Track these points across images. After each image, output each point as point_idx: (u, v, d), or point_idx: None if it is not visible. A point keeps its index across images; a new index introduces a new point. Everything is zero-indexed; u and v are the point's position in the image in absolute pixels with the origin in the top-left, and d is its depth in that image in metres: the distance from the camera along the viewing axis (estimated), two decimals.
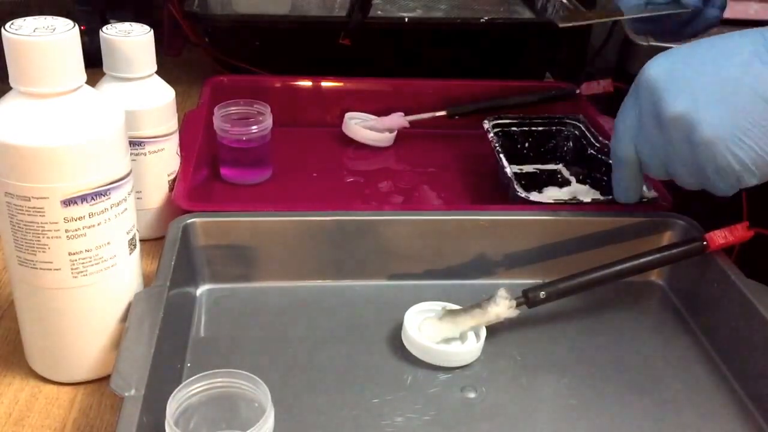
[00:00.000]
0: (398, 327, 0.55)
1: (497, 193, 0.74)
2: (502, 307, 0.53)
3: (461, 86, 0.86)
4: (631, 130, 0.54)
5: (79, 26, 0.43)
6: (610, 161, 0.59)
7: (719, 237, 0.56)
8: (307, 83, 0.86)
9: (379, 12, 0.98)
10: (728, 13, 0.70)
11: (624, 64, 0.90)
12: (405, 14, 1.00)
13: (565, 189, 0.75)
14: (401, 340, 0.54)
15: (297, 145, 0.82)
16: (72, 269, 0.46)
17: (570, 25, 0.70)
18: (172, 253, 0.53)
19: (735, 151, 0.48)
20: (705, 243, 0.56)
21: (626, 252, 0.57)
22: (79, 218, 0.45)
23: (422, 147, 0.84)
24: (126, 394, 0.42)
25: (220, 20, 0.91)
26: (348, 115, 0.83)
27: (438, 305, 0.55)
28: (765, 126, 0.47)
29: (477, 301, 0.54)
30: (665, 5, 0.69)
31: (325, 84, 0.86)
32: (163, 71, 0.62)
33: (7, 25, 0.42)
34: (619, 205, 0.64)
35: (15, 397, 0.49)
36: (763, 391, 0.51)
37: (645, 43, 0.87)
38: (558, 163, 0.79)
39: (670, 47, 0.53)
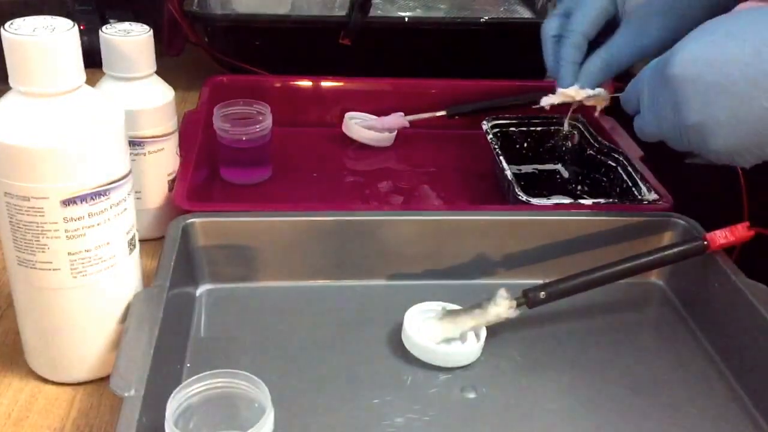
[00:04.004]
0: (398, 327, 0.55)
1: (497, 193, 0.74)
2: (502, 307, 0.53)
3: (461, 86, 0.86)
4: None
5: (79, 26, 0.43)
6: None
7: (720, 237, 0.56)
8: (307, 83, 0.86)
9: (379, 12, 0.98)
10: None
11: None
12: (405, 14, 1.00)
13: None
14: (401, 340, 0.54)
15: (297, 145, 0.82)
16: (71, 269, 0.46)
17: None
18: (172, 253, 0.53)
19: (742, 158, 0.51)
20: (705, 243, 0.56)
21: (626, 252, 0.57)
22: (79, 218, 0.44)
23: (422, 147, 0.84)
24: (126, 394, 0.42)
25: (220, 20, 0.91)
26: (348, 115, 0.83)
27: (438, 305, 0.55)
28: None
29: (477, 301, 0.54)
30: None
31: (325, 84, 0.86)
32: (162, 71, 0.62)
33: (7, 25, 0.42)
34: (619, 205, 0.64)
35: (15, 397, 0.49)
36: (764, 390, 0.51)
37: None
38: (557, 163, 0.79)
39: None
